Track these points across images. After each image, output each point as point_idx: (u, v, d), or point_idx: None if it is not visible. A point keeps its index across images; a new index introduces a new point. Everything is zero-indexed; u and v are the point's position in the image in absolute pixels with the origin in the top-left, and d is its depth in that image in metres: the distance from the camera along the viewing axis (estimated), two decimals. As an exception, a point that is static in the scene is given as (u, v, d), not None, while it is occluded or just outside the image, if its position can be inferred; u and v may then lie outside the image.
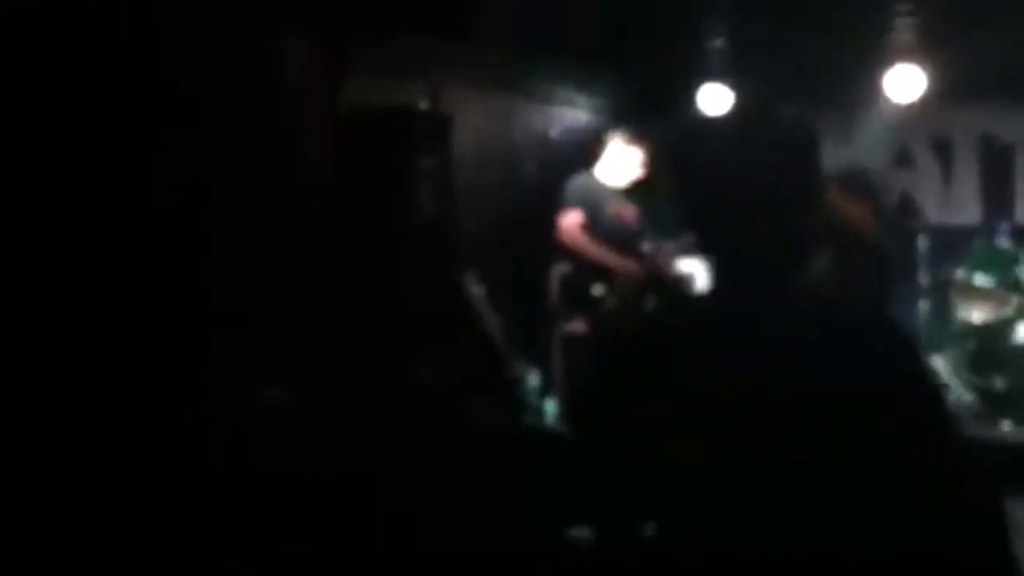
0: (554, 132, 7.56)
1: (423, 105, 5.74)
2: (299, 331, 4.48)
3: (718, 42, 7.26)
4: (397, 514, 3.81)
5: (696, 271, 6.76)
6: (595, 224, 6.10)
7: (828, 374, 1.68)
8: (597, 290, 6.08)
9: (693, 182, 1.87)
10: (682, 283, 6.57)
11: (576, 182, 6.21)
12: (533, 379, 6.13)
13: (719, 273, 1.84)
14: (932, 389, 1.76)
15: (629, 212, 6.25)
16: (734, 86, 7.30)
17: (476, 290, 5.75)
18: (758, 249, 1.79)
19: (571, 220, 6.07)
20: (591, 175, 6.28)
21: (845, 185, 5.68)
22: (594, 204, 6.14)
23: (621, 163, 6.24)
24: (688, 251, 6.29)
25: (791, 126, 1.86)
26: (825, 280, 5.39)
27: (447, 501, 3.96)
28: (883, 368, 1.70)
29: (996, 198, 7.80)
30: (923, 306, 6.82)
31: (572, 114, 7.72)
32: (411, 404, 4.56)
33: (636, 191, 6.31)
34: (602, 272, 6.09)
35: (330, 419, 4.23)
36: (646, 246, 6.23)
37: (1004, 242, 6.59)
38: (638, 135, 6.26)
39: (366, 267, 4.65)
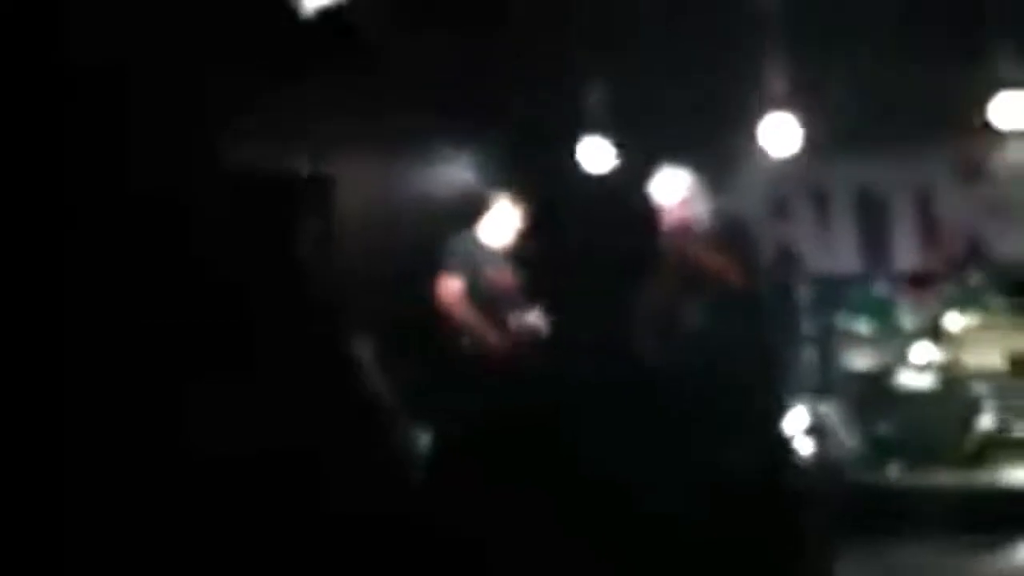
0: (436, 190, 7.53)
1: (305, 168, 5.68)
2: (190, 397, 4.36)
3: (597, 96, 7.32)
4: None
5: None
6: (472, 289, 6.03)
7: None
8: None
9: (539, 243, 1.91)
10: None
11: (456, 243, 6.13)
12: (425, 439, 6.05)
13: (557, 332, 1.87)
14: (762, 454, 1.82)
15: (506, 277, 6.17)
16: (613, 140, 7.36)
17: (364, 354, 5.68)
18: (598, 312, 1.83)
19: (449, 288, 5.99)
20: (472, 235, 6.22)
21: (709, 236, 5.74)
22: (473, 267, 6.07)
23: (504, 223, 6.20)
24: None
25: (634, 196, 1.91)
26: (698, 331, 5.43)
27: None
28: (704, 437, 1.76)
29: (873, 247, 7.97)
30: (806, 354, 6.92)
31: (454, 171, 7.70)
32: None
33: (516, 252, 6.27)
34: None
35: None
36: (517, 317, 6.10)
37: (882, 290, 6.74)
38: (520, 193, 6.25)
39: (250, 333, 4.55)
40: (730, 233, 5.77)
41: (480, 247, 6.17)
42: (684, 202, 5.57)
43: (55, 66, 3.84)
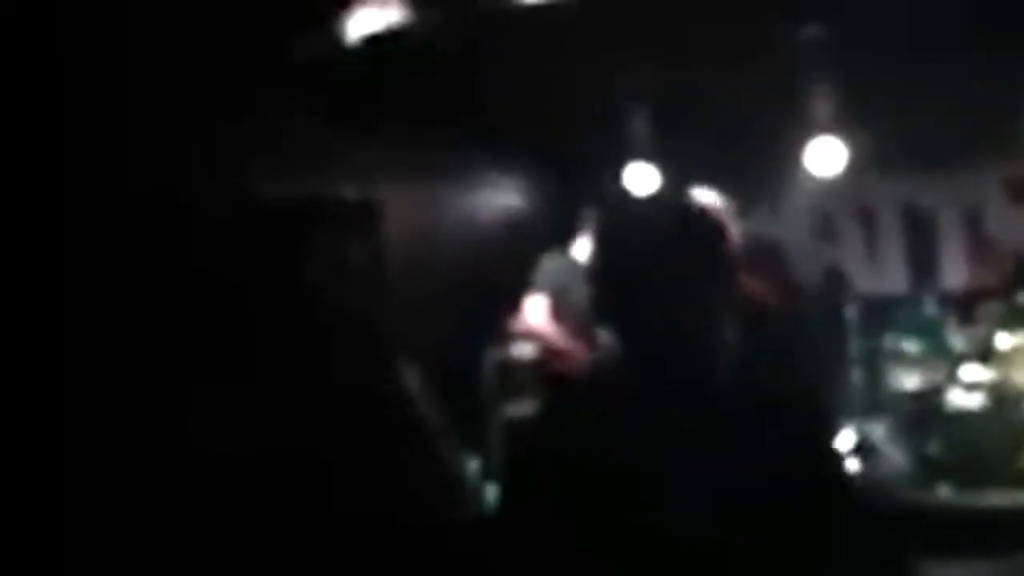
0: (482, 215, 7.58)
1: (351, 193, 5.73)
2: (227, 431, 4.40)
3: (641, 121, 7.34)
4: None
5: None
6: (563, 307, 6.02)
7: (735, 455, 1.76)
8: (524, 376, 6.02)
9: (604, 261, 1.94)
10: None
11: (547, 263, 6.14)
12: (473, 465, 6.08)
13: (626, 354, 1.91)
14: (833, 466, 1.87)
15: None
16: (659, 165, 7.36)
17: (411, 380, 5.69)
18: (666, 331, 1.86)
19: (535, 307, 5.98)
20: (565, 254, 6.22)
21: (747, 260, 5.71)
22: (564, 286, 6.06)
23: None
24: None
25: (699, 214, 1.95)
26: (732, 357, 5.39)
27: None
28: (786, 447, 1.79)
29: (921, 265, 7.95)
30: (855, 374, 6.88)
31: (500, 197, 7.75)
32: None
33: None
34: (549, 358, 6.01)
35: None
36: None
37: (930, 309, 6.70)
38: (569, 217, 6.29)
39: (297, 363, 4.59)
40: (765, 255, 5.75)
41: (571, 267, 6.14)
42: None
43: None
